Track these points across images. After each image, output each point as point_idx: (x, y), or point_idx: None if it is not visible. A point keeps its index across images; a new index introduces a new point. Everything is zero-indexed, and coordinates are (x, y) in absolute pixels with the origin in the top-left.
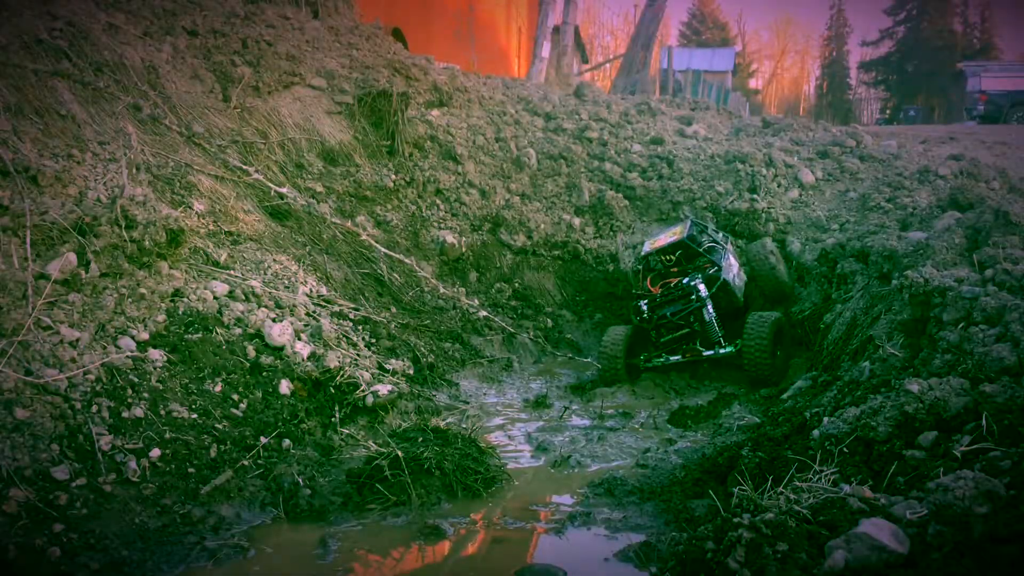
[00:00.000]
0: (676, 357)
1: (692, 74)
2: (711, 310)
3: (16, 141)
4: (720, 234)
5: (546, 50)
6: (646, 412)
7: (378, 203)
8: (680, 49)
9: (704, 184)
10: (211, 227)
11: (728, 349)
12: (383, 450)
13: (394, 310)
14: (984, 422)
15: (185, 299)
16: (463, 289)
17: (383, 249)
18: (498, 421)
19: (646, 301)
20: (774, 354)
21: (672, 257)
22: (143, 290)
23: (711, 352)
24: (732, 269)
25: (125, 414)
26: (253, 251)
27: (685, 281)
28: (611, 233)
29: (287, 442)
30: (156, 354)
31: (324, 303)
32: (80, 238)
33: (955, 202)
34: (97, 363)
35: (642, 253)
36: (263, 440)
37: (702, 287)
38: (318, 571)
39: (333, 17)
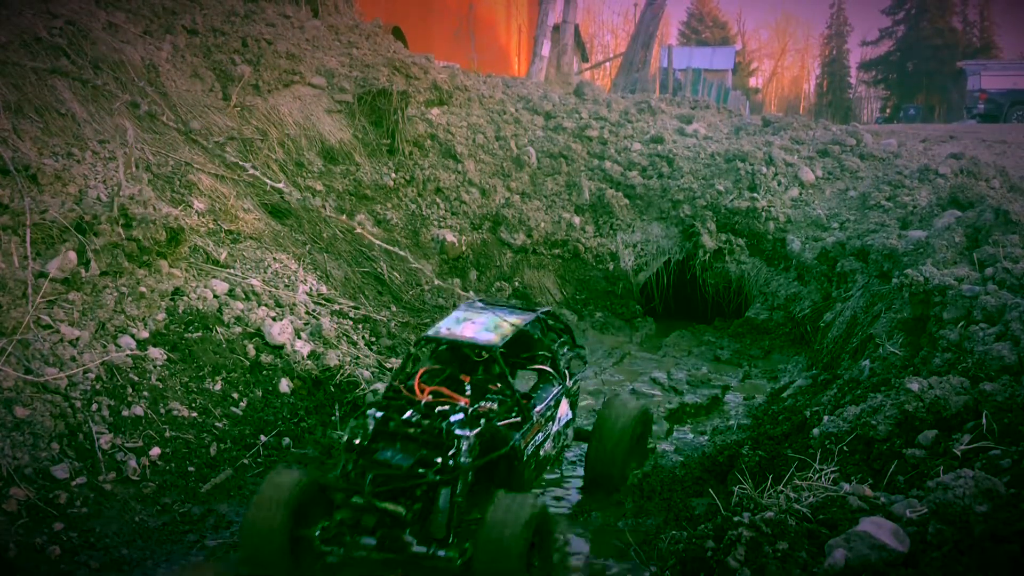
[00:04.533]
0: (371, 540)
1: (692, 73)
2: (457, 493)
3: (16, 140)
4: (570, 353)
5: (546, 49)
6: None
7: (378, 202)
8: (680, 48)
9: (704, 183)
10: (211, 226)
11: (448, 554)
12: None
13: (394, 309)
14: (984, 421)
15: (185, 298)
16: (460, 283)
17: (382, 243)
18: None
19: (385, 412)
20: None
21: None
22: (143, 289)
23: (424, 549)
24: (551, 424)
25: (125, 413)
26: (253, 250)
27: (452, 422)
28: (611, 232)
29: (287, 440)
30: (156, 353)
31: (324, 302)
32: (80, 237)
33: (955, 201)
34: (97, 362)
35: (431, 333)
36: (263, 439)
37: (466, 445)
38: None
39: (333, 16)
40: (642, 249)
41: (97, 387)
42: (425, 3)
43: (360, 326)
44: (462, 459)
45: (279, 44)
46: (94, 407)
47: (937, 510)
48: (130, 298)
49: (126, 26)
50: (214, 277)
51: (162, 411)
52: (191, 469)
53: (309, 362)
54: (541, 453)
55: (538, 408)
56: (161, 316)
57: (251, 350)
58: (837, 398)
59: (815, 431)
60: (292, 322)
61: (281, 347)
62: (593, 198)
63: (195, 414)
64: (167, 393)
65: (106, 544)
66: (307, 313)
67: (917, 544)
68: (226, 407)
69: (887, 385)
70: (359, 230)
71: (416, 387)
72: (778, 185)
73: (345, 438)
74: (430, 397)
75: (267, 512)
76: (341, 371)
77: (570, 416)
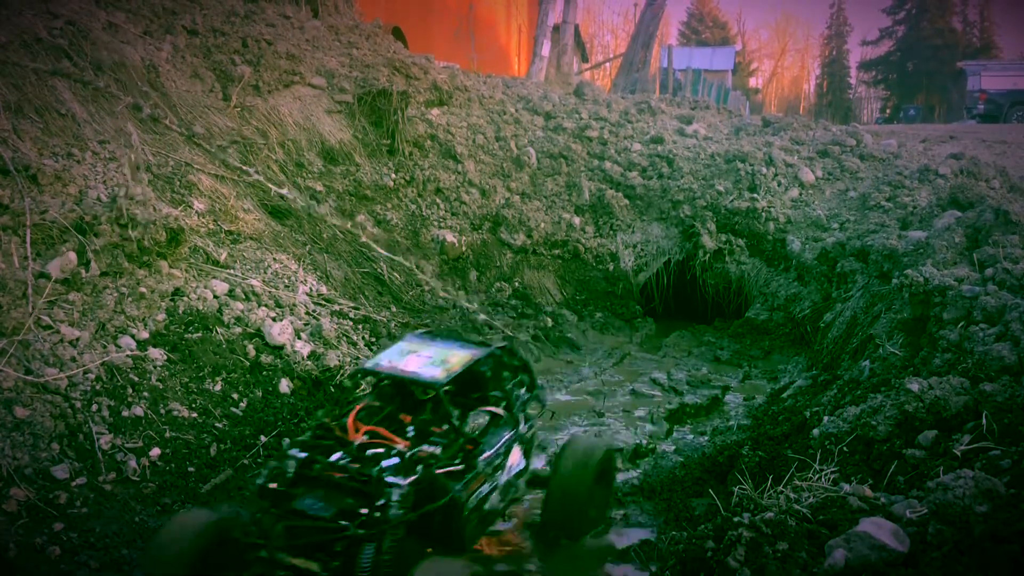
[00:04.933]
0: None
1: (692, 73)
2: (383, 550)
3: (16, 140)
4: (526, 395)
5: (546, 49)
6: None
7: (378, 202)
8: (680, 48)
9: (704, 183)
10: (211, 226)
11: None
12: None
13: (394, 309)
14: (984, 421)
15: (185, 298)
16: (462, 290)
17: (382, 251)
18: None
19: (310, 453)
20: None
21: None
22: (143, 289)
23: None
24: (500, 474)
25: (125, 413)
26: (253, 250)
27: (384, 467)
28: (611, 232)
29: (287, 441)
30: (156, 353)
31: (324, 302)
32: (80, 237)
33: (955, 201)
34: (97, 362)
35: (368, 365)
36: (263, 439)
37: (397, 495)
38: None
39: (333, 16)
40: (642, 249)
41: (97, 387)
42: (425, 3)
43: (360, 326)
44: (392, 511)
45: (279, 44)
46: (94, 407)
47: (937, 510)
48: (130, 298)
49: (126, 26)
50: (214, 277)
51: (162, 411)
52: (191, 469)
53: (309, 362)
54: (486, 507)
55: (485, 455)
56: (161, 316)
57: (251, 350)
58: (837, 398)
59: (815, 431)
60: (292, 322)
61: (281, 347)
62: (593, 198)
63: (195, 414)
64: (167, 393)
65: (106, 544)
66: (307, 313)
67: (917, 544)
68: (226, 407)
69: (887, 385)
70: (364, 238)
71: (350, 426)
72: (778, 186)
73: (260, 481)
74: (365, 438)
75: (164, 565)
76: (341, 371)
77: (523, 465)
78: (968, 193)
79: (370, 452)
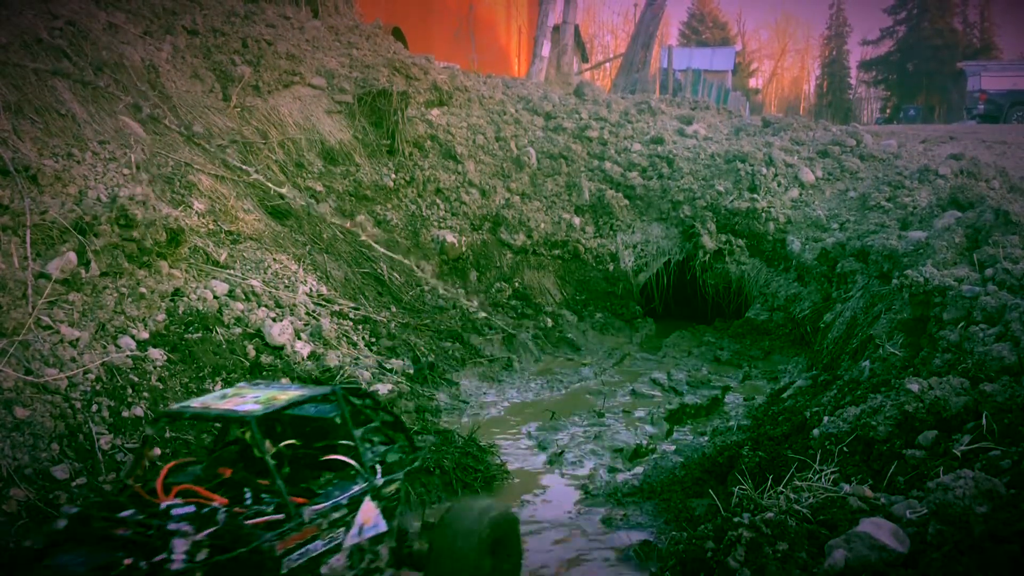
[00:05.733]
0: None
1: (692, 73)
2: None
3: (16, 140)
4: (382, 447)
5: (546, 49)
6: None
7: (378, 202)
8: (680, 48)
9: (704, 183)
10: (211, 226)
11: None
12: None
13: (394, 309)
14: (984, 421)
15: (185, 298)
16: (462, 290)
17: (382, 251)
18: (494, 415)
19: (85, 509)
20: None
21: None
22: (143, 289)
23: None
24: (343, 532)
25: (125, 413)
26: (253, 250)
27: (174, 516)
28: (611, 232)
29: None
30: (156, 353)
31: (324, 302)
32: (80, 237)
33: (955, 201)
34: (97, 362)
35: (175, 407)
36: None
37: (181, 547)
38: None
39: (333, 16)
40: (642, 250)
41: (97, 388)
42: (425, 3)
43: (360, 327)
44: (175, 565)
45: (279, 45)
46: (94, 408)
47: (937, 511)
48: (130, 299)
49: (126, 27)
50: (214, 278)
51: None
52: None
53: (309, 363)
54: (324, 570)
55: (317, 507)
56: (161, 317)
57: (251, 351)
58: (837, 399)
59: (815, 432)
60: (292, 323)
61: (281, 348)
62: (593, 199)
63: None
64: (167, 393)
65: None
66: (307, 314)
67: (917, 544)
68: None
69: (887, 386)
70: (364, 238)
71: (159, 488)
72: (778, 186)
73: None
74: (178, 499)
75: None
76: (341, 372)
77: (382, 528)
78: (968, 193)
79: (165, 505)
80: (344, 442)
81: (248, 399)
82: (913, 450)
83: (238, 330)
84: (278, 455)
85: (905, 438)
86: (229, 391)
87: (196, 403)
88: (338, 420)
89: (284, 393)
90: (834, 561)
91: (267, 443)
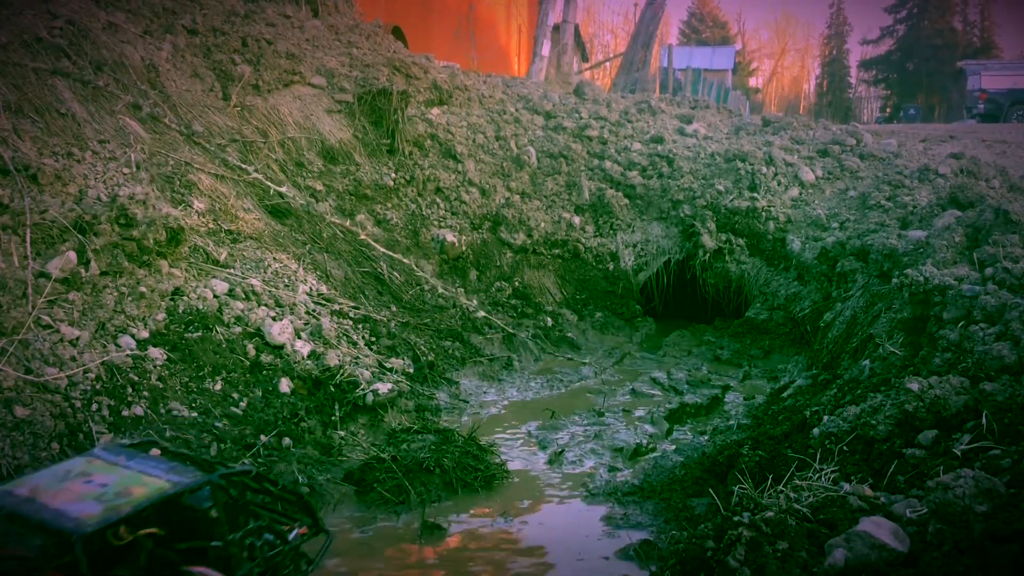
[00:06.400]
0: None
1: (692, 73)
2: None
3: (16, 140)
4: (273, 552)
5: (546, 49)
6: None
7: (378, 201)
8: (680, 48)
9: (704, 183)
10: (211, 225)
11: None
12: (381, 455)
13: (394, 308)
14: (984, 420)
15: (185, 297)
16: (462, 289)
17: (382, 250)
18: (494, 414)
19: None
20: None
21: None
22: (143, 288)
23: None
24: None
25: (125, 413)
26: (253, 249)
27: None
28: (611, 232)
29: (287, 441)
30: (156, 352)
31: (324, 301)
32: (80, 236)
33: (955, 200)
34: (97, 361)
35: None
36: (263, 439)
37: None
38: (317, 568)
39: (333, 15)
40: (642, 249)
41: (97, 387)
42: (425, 3)
43: (360, 326)
44: None
45: (279, 44)
46: (94, 407)
47: (937, 510)
48: (130, 298)
49: (126, 26)
50: (214, 277)
51: (162, 411)
52: None
53: (309, 362)
54: None
55: None
56: (161, 316)
57: (251, 350)
58: (837, 398)
59: (815, 431)
60: (292, 322)
61: (281, 347)
62: (593, 198)
63: (195, 414)
64: (167, 393)
65: None
66: (307, 313)
67: (917, 544)
68: (226, 407)
69: (887, 385)
70: (364, 237)
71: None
72: (778, 185)
73: None
74: None
75: None
76: (341, 371)
77: None
78: (968, 193)
79: None
80: (216, 544)
81: (93, 487)
82: (913, 449)
83: (238, 329)
84: (133, 544)
85: (905, 437)
86: (77, 463)
87: (23, 488)
88: (212, 512)
89: (141, 485)
90: (834, 560)
91: (122, 529)
